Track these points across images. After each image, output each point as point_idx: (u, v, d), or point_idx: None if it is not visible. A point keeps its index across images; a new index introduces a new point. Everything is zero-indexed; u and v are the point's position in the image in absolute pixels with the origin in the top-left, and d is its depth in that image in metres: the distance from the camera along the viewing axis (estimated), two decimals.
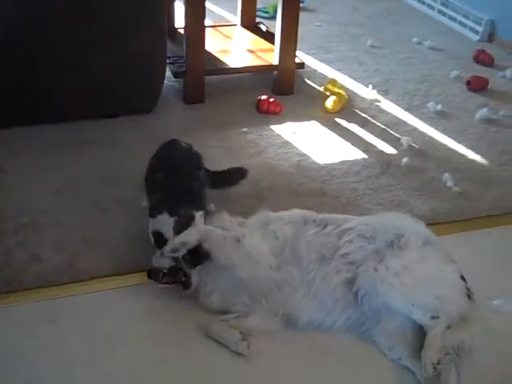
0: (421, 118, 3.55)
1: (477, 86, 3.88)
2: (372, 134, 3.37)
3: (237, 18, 4.24)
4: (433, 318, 1.99)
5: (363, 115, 3.56)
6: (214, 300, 2.17)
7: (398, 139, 3.30)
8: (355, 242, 2.16)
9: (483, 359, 2.02)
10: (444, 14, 4.98)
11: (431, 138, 3.37)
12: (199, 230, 2.16)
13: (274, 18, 3.83)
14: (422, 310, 2.00)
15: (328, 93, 3.68)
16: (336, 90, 3.66)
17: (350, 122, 3.47)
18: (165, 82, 3.39)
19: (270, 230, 2.22)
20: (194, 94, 3.52)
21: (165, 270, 2.14)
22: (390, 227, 2.20)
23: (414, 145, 3.27)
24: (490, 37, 4.62)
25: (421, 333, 2.02)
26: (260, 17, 4.50)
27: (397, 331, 2.07)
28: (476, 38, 4.66)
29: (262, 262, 2.13)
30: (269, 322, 2.13)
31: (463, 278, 2.13)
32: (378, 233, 2.18)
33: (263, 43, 3.94)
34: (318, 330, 2.13)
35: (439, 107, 3.64)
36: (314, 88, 3.81)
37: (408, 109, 3.65)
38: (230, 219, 2.31)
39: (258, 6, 4.28)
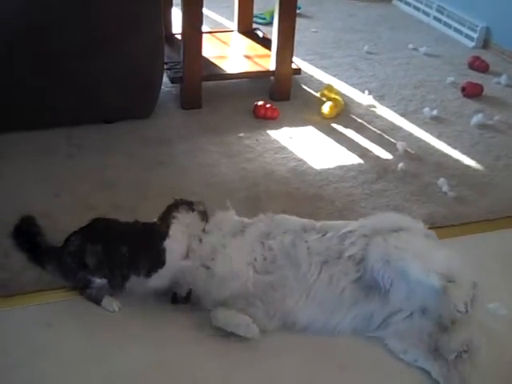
0: (416, 124, 3.58)
1: (472, 92, 3.91)
2: (368, 139, 3.39)
3: (234, 24, 4.26)
4: (449, 282, 1.99)
5: (359, 121, 3.58)
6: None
7: (394, 144, 3.33)
8: (358, 242, 2.17)
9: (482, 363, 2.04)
10: (439, 20, 5.01)
11: (427, 144, 3.39)
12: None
13: (270, 24, 3.85)
14: (437, 274, 1.98)
15: (324, 98, 3.70)
16: (332, 95, 3.68)
17: (346, 127, 3.49)
18: (162, 87, 3.41)
19: (266, 244, 2.21)
20: (191, 100, 3.53)
21: None
22: (389, 224, 2.21)
23: (409, 150, 3.29)
24: (485, 43, 4.66)
25: (434, 332, 2.04)
26: (257, 23, 4.52)
27: (409, 332, 2.07)
28: (471, 44, 4.69)
29: (240, 277, 2.15)
30: (266, 321, 2.14)
31: None
32: (378, 230, 2.19)
33: (260, 49, 3.96)
34: (322, 331, 2.14)
35: (435, 113, 3.66)
36: (311, 94, 3.84)
37: (404, 114, 3.68)
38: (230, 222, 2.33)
39: (255, 12, 4.30)
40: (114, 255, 2.19)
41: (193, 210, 2.29)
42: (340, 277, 2.13)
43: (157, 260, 2.18)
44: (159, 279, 2.18)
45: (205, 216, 2.32)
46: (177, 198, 2.34)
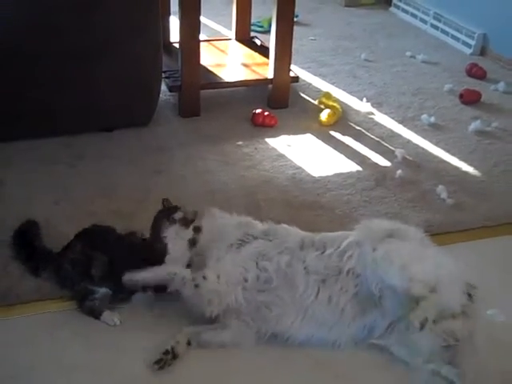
0: (415, 131, 3.58)
1: (470, 98, 3.92)
2: (366, 146, 3.40)
3: (231, 33, 4.27)
4: (431, 292, 1.97)
5: (357, 128, 3.59)
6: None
7: (392, 152, 3.33)
8: (355, 254, 2.14)
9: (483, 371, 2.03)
10: (437, 28, 5.03)
11: (425, 151, 3.39)
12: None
13: (268, 32, 3.86)
14: (420, 284, 1.97)
15: (322, 106, 3.71)
16: (330, 103, 3.69)
17: (344, 134, 3.50)
18: (160, 96, 3.42)
19: (260, 264, 2.17)
20: (189, 108, 3.54)
21: None
22: (384, 229, 2.19)
23: (408, 157, 3.30)
24: (483, 50, 4.67)
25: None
26: (254, 31, 4.54)
27: (411, 338, 2.06)
28: (469, 51, 4.70)
29: (226, 298, 2.12)
30: (243, 338, 2.12)
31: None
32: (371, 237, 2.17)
33: (258, 57, 3.97)
34: (320, 346, 2.12)
35: (433, 120, 3.67)
36: (309, 101, 3.85)
37: (402, 121, 3.69)
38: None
39: (253, 20, 4.32)
40: (122, 269, 2.14)
41: (174, 222, 2.27)
42: (340, 295, 2.10)
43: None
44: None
45: (188, 223, 2.28)
46: (164, 203, 2.35)
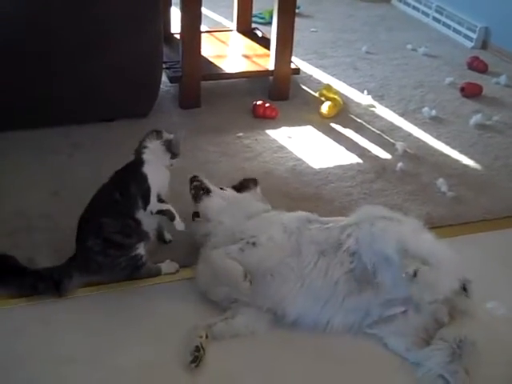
0: (415, 124, 3.58)
1: (471, 92, 3.91)
2: (367, 139, 3.39)
3: (233, 24, 4.26)
4: (424, 265, 1.98)
5: (358, 120, 3.58)
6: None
7: (393, 144, 3.33)
8: (354, 234, 2.18)
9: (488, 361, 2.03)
10: (438, 21, 5.02)
11: (426, 144, 3.39)
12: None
13: (269, 23, 3.85)
14: (413, 258, 2.00)
15: (323, 98, 3.70)
16: (331, 95, 3.68)
17: (345, 127, 3.49)
18: (161, 86, 3.40)
19: (279, 221, 2.27)
20: (189, 99, 3.53)
21: None
22: (382, 213, 2.24)
23: (408, 150, 3.29)
24: (484, 44, 4.66)
25: (431, 327, 2.05)
26: (256, 22, 4.52)
27: (406, 329, 2.08)
28: (470, 44, 4.69)
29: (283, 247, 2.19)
30: (256, 323, 2.14)
31: None
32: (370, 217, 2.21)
33: (259, 49, 3.96)
34: (314, 326, 2.13)
35: (434, 113, 3.66)
36: (310, 93, 3.84)
37: (403, 114, 3.68)
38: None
39: (254, 11, 4.30)
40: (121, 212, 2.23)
41: (160, 138, 2.36)
42: (335, 269, 2.14)
43: (143, 185, 2.25)
44: (153, 203, 2.26)
45: (169, 145, 2.34)
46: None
